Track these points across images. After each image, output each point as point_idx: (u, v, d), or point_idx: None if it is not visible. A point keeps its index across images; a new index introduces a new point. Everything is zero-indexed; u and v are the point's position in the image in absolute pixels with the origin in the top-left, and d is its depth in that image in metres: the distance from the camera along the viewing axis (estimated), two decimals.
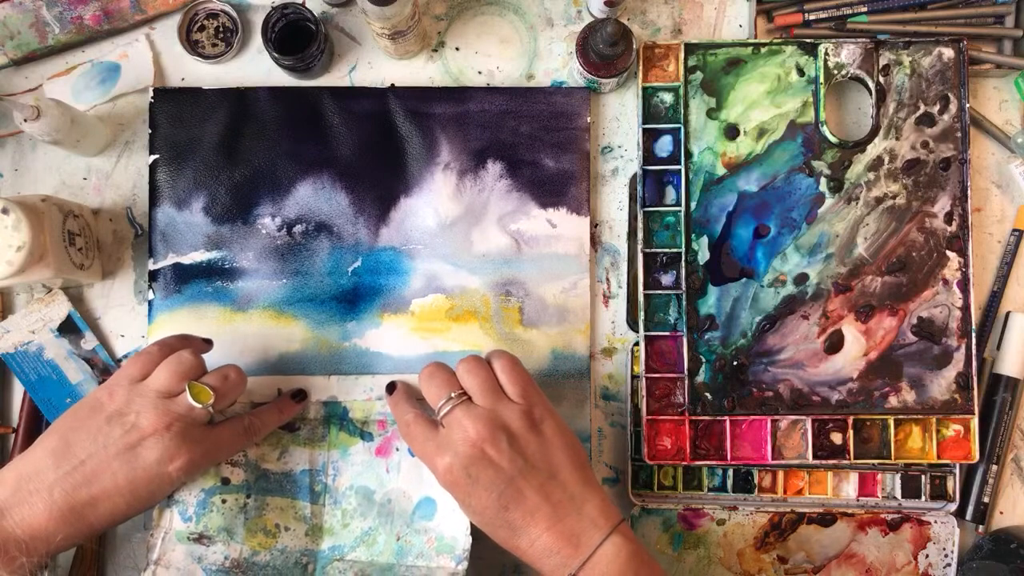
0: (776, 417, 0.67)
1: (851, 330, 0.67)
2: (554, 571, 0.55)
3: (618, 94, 0.71)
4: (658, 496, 0.69)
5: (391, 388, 0.64)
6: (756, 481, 0.69)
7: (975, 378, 0.67)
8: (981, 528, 0.69)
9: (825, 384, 0.67)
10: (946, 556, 0.68)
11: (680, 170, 0.68)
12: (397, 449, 0.67)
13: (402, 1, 0.61)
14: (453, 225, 0.69)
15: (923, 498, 0.68)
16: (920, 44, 0.69)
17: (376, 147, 0.70)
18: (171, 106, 0.70)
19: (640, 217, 0.68)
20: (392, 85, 0.71)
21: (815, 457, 0.67)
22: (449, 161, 0.70)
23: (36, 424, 0.68)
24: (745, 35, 0.71)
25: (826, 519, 0.68)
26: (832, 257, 0.68)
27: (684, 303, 0.68)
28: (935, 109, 0.68)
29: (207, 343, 0.65)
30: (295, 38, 0.68)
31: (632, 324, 0.70)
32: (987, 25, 0.71)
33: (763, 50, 0.69)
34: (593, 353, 0.70)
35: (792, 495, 0.68)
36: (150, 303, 0.69)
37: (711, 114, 0.69)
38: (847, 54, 0.68)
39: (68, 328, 0.69)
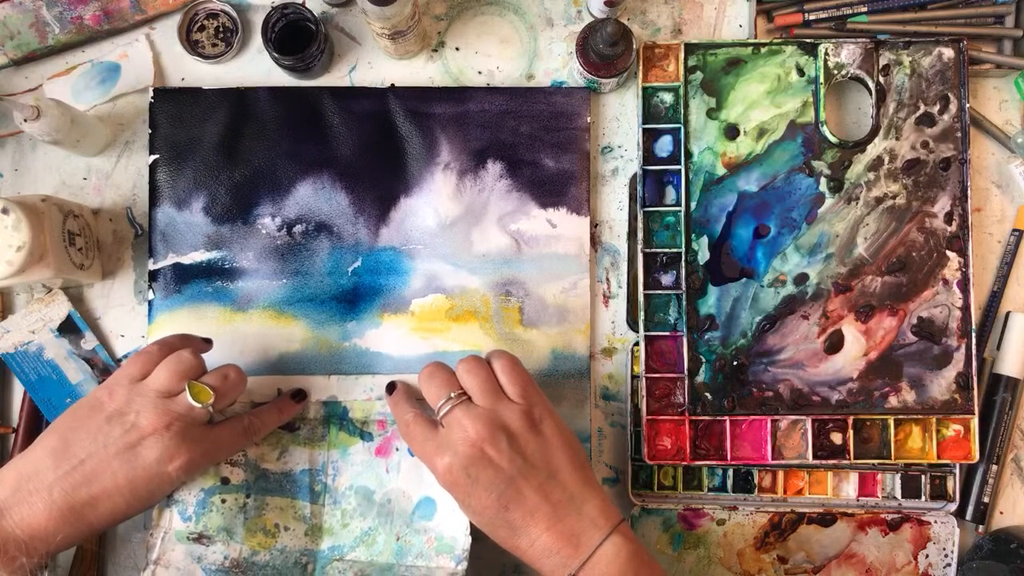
0: (776, 417, 0.67)
1: (851, 330, 0.67)
2: (554, 571, 0.55)
3: (618, 94, 0.71)
4: (658, 496, 0.69)
5: (391, 388, 0.64)
6: (756, 481, 0.69)
7: (975, 378, 0.67)
8: (981, 528, 0.69)
9: (825, 384, 0.67)
10: (946, 556, 0.68)
11: (680, 170, 0.68)
12: (397, 449, 0.67)
13: (402, 1, 0.61)
14: (453, 225, 0.69)
15: (923, 498, 0.68)
16: (920, 44, 0.69)
17: (376, 147, 0.70)
18: (171, 106, 0.70)
19: (640, 217, 0.68)
20: (392, 85, 0.71)
21: (815, 457, 0.67)
22: (449, 161, 0.70)
23: (36, 424, 0.68)
24: (745, 35, 0.71)
25: (826, 519, 0.68)
26: (832, 257, 0.68)
27: (684, 303, 0.68)
28: (935, 109, 0.68)
29: (207, 343, 0.65)
30: (295, 38, 0.68)
31: (632, 324, 0.70)
32: (987, 25, 0.71)
33: (763, 50, 0.69)
34: (593, 353, 0.70)
35: (792, 495, 0.68)
36: (150, 303, 0.69)
37: (711, 114, 0.69)
38: (847, 54, 0.68)
39: (68, 328, 0.69)
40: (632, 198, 0.70)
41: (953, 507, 0.68)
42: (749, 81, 0.69)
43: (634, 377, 0.69)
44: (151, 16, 0.70)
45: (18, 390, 0.69)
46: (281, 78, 0.71)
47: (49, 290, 0.69)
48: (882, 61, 0.68)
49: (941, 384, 0.67)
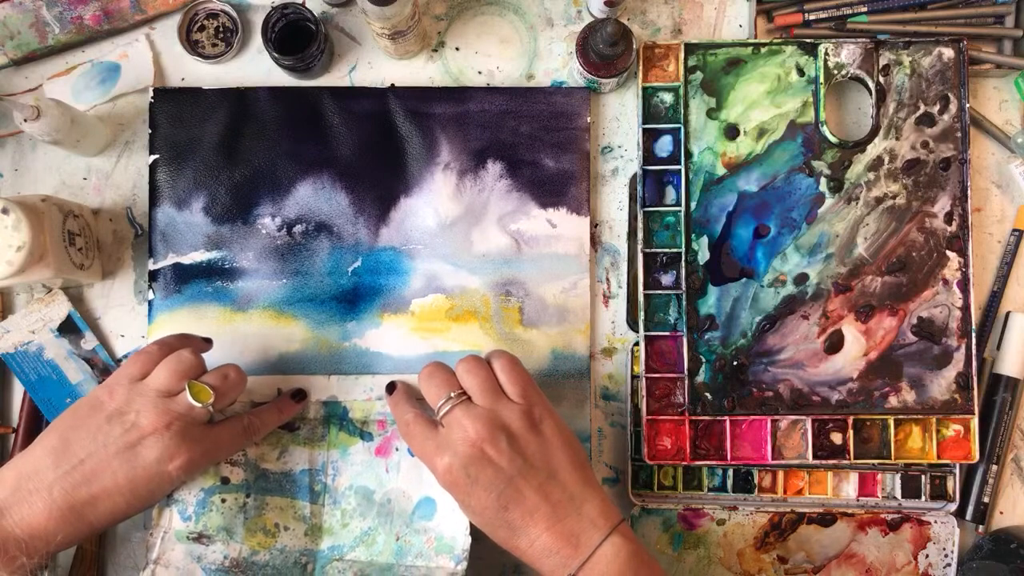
0: (776, 417, 0.67)
1: (851, 330, 0.67)
2: (554, 571, 0.55)
3: (618, 94, 0.71)
4: (658, 496, 0.69)
5: (391, 388, 0.64)
6: (756, 481, 0.68)
7: (975, 378, 0.67)
8: (981, 528, 0.69)
9: (825, 384, 0.67)
10: (946, 556, 0.68)
11: (680, 170, 0.68)
12: (397, 449, 0.67)
13: (402, 1, 0.61)
14: (453, 225, 0.69)
15: (923, 498, 0.68)
16: (920, 44, 0.69)
17: (376, 147, 0.70)
18: (171, 106, 0.70)
19: (640, 217, 0.68)
20: (392, 85, 0.71)
21: (815, 457, 0.67)
22: (449, 161, 0.70)
23: (36, 424, 0.68)
24: (745, 35, 0.71)
25: (826, 519, 0.68)
26: (832, 257, 0.68)
27: (684, 303, 0.68)
28: (935, 109, 0.68)
29: (207, 342, 0.65)
30: (295, 38, 0.68)
31: (632, 324, 0.70)
32: (987, 25, 0.71)
33: (763, 50, 0.69)
34: (593, 353, 0.70)
35: (792, 495, 0.68)
36: (150, 303, 0.69)
37: (711, 114, 0.69)
38: (847, 54, 0.68)
39: (68, 328, 0.69)
40: (632, 198, 0.70)
41: (953, 507, 0.68)
42: (749, 81, 0.69)
43: (634, 377, 0.69)
44: (151, 16, 0.70)
45: (18, 390, 0.69)
46: (281, 78, 0.71)
47: (49, 290, 0.69)
48: (882, 61, 0.68)
49: (941, 384, 0.67)
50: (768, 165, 0.68)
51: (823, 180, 0.68)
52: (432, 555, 0.63)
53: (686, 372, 0.67)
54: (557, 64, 0.71)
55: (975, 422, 0.67)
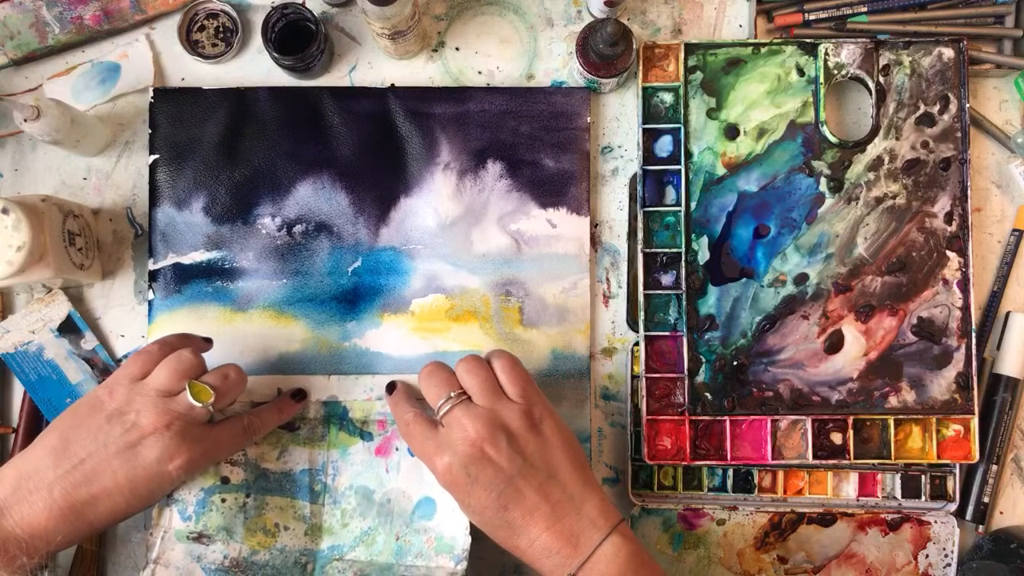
0: (776, 417, 0.67)
1: (851, 330, 0.67)
2: (553, 571, 0.55)
3: (618, 94, 0.71)
4: (658, 496, 0.69)
5: (391, 388, 0.64)
6: (756, 481, 0.68)
7: (975, 378, 0.67)
8: (981, 528, 0.69)
9: (825, 384, 0.67)
10: (946, 556, 0.68)
11: (680, 170, 0.68)
12: (397, 449, 0.67)
13: (402, 1, 0.61)
14: (453, 225, 0.69)
15: (923, 498, 0.68)
16: (920, 44, 0.69)
17: (376, 147, 0.70)
18: (171, 106, 0.70)
19: (640, 217, 0.68)
20: (392, 85, 0.71)
21: (815, 457, 0.67)
22: (449, 161, 0.70)
23: (36, 424, 0.68)
24: (745, 35, 0.71)
25: (826, 519, 0.68)
26: (832, 257, 0.68)
27: (684, 303, 0.68)
28: (935, 109, 0.68)
29: (207, 342, 0.65)
30: (295, 38, 0.68)
31: (632, 324, 0.70)
32: (987, 25, 0.71)
33: (763, 50, 0.69)
34: (593, 353, 0.70)
35: (792, 495, 0.68)
36: (150, 303, 0.69)
37: (711, 114, 0.69)
38: (847, 54, 0.68)
39: (68, 328, 0.69)
40: (632, 198, 0.70)
41: (953, 507, 0.68)
42: (749, 81, 0.69)
43: (634, 377, 0.69)
44: (151, 16, 0.70)
45: (18, 390, 0.69)
46: (281, 78, 0.71)
47: (49, 290, 0.69)
48: (882, 61, 0.68)
49: (941, 384, 0.67)
50: (768, 165, 0.68)
51: (823, 180, 0.68)
52: (432, 555, 0.63)
53: (686, 372, 0.67)
54: (557, 64, 0.71)
55: (975, 422, 0.67)
